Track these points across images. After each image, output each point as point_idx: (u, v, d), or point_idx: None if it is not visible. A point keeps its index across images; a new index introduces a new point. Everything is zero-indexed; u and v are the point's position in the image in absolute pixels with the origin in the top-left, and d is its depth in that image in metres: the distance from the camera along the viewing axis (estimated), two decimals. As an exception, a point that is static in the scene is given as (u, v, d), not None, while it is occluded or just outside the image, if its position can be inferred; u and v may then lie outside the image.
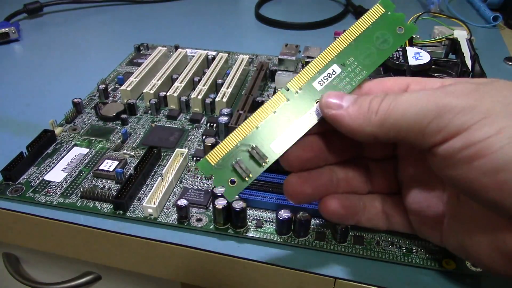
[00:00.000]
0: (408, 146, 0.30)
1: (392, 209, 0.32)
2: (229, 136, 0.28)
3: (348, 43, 0.29)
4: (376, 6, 0.30)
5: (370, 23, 0.29)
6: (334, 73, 0.28)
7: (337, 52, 0.29)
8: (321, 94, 0.28)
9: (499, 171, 0.22)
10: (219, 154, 0.28)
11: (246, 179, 0.28)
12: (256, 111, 0.29)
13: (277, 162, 0.29)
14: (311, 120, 0.28)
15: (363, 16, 0.29)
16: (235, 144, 0.28)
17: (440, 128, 0.23)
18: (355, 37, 0.29)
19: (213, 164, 0.28)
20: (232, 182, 0.28)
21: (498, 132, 0.22)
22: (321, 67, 0.29)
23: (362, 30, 0.29)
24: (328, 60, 0.29)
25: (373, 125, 0.25)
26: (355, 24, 0.29)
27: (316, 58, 0.29)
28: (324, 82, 0.28)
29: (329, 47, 0.29)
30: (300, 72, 0.29)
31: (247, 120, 0.29)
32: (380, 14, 0.30)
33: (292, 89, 0.29)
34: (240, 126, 0.28)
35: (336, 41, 0.29)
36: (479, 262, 0.27)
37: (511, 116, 0.22)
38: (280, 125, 0.28)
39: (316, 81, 0.29)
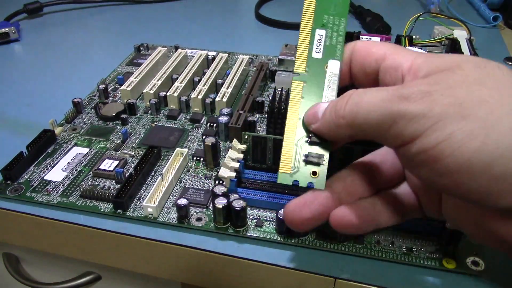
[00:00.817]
0: None
1: (404, 199, 0.31)
2: (284, 141, 0.29)
3: (313, 6, 0.30)
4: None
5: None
6: (321, 36, 0.30)
7: (311, 19, 0.30)
8: (324, 59, 0.30)
9: (454, 174, 0.23)
10: (288, 161, 0.29)
11: (324, 163, 0.29)
12: (289, 107, 0.29)
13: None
14: (334, 80, 0.30)
15: None
16: (294, 143, 0.29)
17: (397, 134, 0.24)
18: None
19: (289, 172, 0.29)
20: (314, 173, 0.29)
21: (448, 137, 0.22)
22: (308, 39, 0.30)
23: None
24: (310, 30, 0.30)
25: (343, 128, 0.26)
26: None
27: (300, 33, 0.30)
28: (320, 49, 0.30)
29: (302, 20, 0.31)
30: (297, 53, 0.30)
31: (288, 119, 0.29)
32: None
33: (301, 71, 0.30)
34: (286, 127, 0.29)
35: (303, 11, 0.31)
36: (471, 237, 0.29)
37: (461, 118, 0.22)
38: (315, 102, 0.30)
39: (314, 52, 0.30)
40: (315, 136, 0.29)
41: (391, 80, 0.27)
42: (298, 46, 0.30)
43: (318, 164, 0.29)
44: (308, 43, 0.30)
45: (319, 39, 0.30)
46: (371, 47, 0.29)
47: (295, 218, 0.29)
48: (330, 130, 0.27)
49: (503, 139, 0.22)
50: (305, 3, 0.31)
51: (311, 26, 0.30)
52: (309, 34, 0.30)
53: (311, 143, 0.29)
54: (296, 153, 0.29)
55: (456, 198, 0.26)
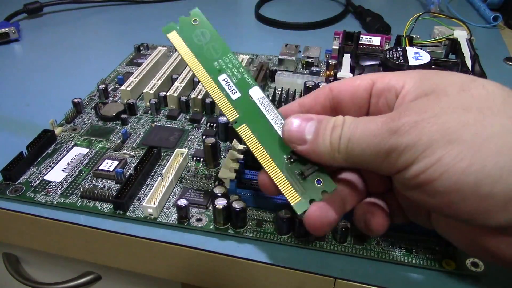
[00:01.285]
0: None
1: (392, 206, 0.32)
2: (273, 177, 0.29)
3: (196, 62, 0.31)
4: (171, 34, 0.32)
5: (183, 39, 0.32)
6: (225, 79, 0.31)
7: (205, 73, 0.31)
8: (244, 93, 0.31)
9: (444, 195, 0.24)
10: (291, 191, 0.29)
11: (318, 167, 0.29)
12: (251, 149, 0.30)
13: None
14: (266, 102, 0.31)
15: (178, 47, 0.32)
16: (282, 174, 0.29)
17: (391, 165, 0.25)
18: (191, 54, 0.32)
19: (300, 199, 0.29)
20: (319, 182, 0.29)
21: (437, 161, 0.24)
22: (217, 89, 0.31)
23: (184, 47, 0.32)
24: (212, 82, 0.31)
25: (339, 161, 0.27)
26: (179, 52, 0.32)
27: (207, 88, 0.31)
28: (234, 89, 0.31)
29: (198, 77, 0.31)
30: (219, 105, 0.30)
31: (259, 159, 0.30)
32: (176, 31, 0.32)
33: (235, 117, 0.30)
34: (264, 166, 0.30)
35: (194, 70, 0.31)
36: (463, 250, 0.30)
37: (448, 143, 0.24)
38: (268, 130, 0.30)
39: (231, 95, 0.31)
40: (295, 155, 0.29)
41: (385, 103, 0.29)
42: (214, 99, 0.30)
43: (316, 171, 0.29)
44: (219, 92, 0.31)
45: (226, 83, 0.31)
46: (353, 81, 0.30)
47: (323, 221, 0.29)
48: (322, 159, 0.28)
49: (489, 159, 0.23)
50: (189, 64, 0.31)
51: (211, 78, 0.31)
52: (215, 85, 0.31)
53: (294, 161, 0.29)
54: (291, 179, 0.29)
55: (447, 218, 0.28)
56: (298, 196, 0.29)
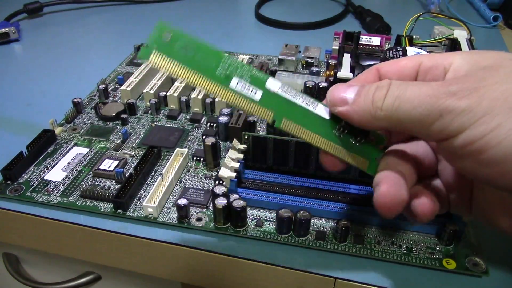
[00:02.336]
0: None
1: (439, 190, 0.31)
2: (335, 153, 0.29)
3: (200, 76, 0.27)
4: (153, 56, 0.27)
5: (170, 57, 0.27)
6: (237, 83, 0.28)
7: (215, 83, 0.28)
8: (265, 90, 0.28)
9: (499, 163, 0.23)
10: (355, 158, 0.29)
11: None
12: (302, 139, 0.29)
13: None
14: (288, 89, 0.29)
15: (170, 67, 0.27)
16: (339, 146, 0.29)
17: (443, 129, 0.24)
18: (190, 70, 0.27)
19: (367, 161, 0.29)
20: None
21: (495, 129, 0.23)
22: (236, 95, 0.28)
23: (178, 66, 0.27)
24: (226, 89, 0.28)
25: (380, 121, 0.26)
26: (174, 74, 0.28)
27: (230, 100, 0.28)
28: (252, 89, 0.28)
29: (209, 89, 0.28)
30: (250, 111, 0.28)
31: (311, 142, 0.29)
32: (156, 49, 0.27)
33: (271, 117, 0.28)
34: (321, 147, 0.29)
35: (206, 87, 0.28)
36: (504, 232, 0.28)
37: (508, 110, 0.23)
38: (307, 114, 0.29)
39: (253, 97, 0.28)
40: (343, 126, 0.29)
41: (433, 78, 0.28)
42: (241, 107, 0.28)
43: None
44: (242, 98, 0.28)
45: (242, 86, 0.28)
46: (399, 61, 0.30)
47: (397, 199, 0.27)
48: (363, 119, 0.27)
49: None
50: (193, 82, 0.27)
51: (224, 88, 0.28)
52: (233, 93, 0.28)
53: (345, 132, 0.29)
54: (350, 148, 0.29)
55: (499, 189, 0.26)
56: (365, 159, 0.29)
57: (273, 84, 0.28)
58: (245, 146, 0.38)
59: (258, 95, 0.28)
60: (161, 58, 0.27)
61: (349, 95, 0.27)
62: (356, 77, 0.31)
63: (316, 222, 0.36)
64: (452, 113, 0.24)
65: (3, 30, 0.67)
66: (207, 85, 0.27)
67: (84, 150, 0.44)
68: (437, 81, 0.27)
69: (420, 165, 0.30)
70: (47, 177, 0.40)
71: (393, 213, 0.27)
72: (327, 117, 0.29)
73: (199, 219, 0.36)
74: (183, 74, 0.27)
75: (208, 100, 0.48)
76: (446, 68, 0.27)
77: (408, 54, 0.41)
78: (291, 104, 0.29)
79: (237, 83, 0.28)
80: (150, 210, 0.36)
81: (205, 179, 0.40)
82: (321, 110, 0.29)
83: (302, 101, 0.29)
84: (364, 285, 0.32)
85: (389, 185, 0.27)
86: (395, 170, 0.28)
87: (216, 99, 0.48)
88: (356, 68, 0.45)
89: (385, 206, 0.27)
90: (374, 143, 0.29)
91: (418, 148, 0.31)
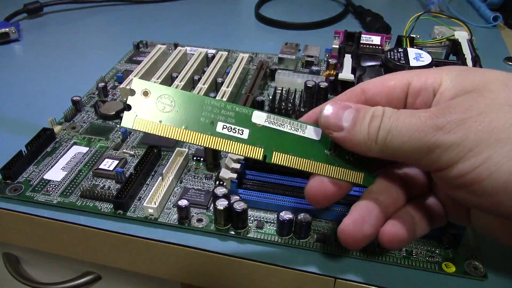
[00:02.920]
0: None
1: (432, 208, 0.31)
2: (329, 174, 0.29)
3: (186, 132, 0.27)
4: (136, 123, 0.27)
5: (151, 119, 0.27)
6: (225, 126, 0.28)
7: (200, 134, 0.27)
8: (254, 127, 0.28)
9: (492, 195, 0.24)
10: (351, 174, 0.29)
11: None
12: (294, 168, 0.29)
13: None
14: (273, 118, 0.29)
15: (154, 130, 0.27)
16: (333, 166, 0.29)
17: (433, 162, 0.25)
18: (174, 128, 0.27)
19: (362, 174, 0.29)
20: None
21: (484, 162, 0.23)
22: (223, 141, 0.28)
23: (162, 126, 0.27)
24: (213, 137, 0.27)
25: (375, 152, 0.27)
26: (160, 134, 0.27)
27: (211, 147, 0.28)
28: (238, 130, 0.28)
29: (196, 142, 0.27)
30: (239, 154, 0.28)
31: (304, 169, 0.29)
32: (137, 115, 0.27)
33: (260, 155, 0.28)
34: (313, 171, 0.29)
35: (187, 140, 0.27)
36: (506, 243, 0.29)
37: (496, 142, 0.23)
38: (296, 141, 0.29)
39: (240, 137, 0.28)
40: (335, 147, 0.29)
41: (423, 101, 0.28)
42: (230, 151, 0.28)
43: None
44: (230, 142, 0.28)
45: (228, 129, 0.28)
46: (387, 82, 0.29)
47: (358, 236, 0.28)
48: (357, 148, 0.27)
49: None
50: (180, 138, 0.27)
51: (211, 136, 0.27)
52: (221, 139, 0.27)
53: (337, 152, 0.29)
54: (344, 165, 0.29)
55: (495, 217, 0.27)
56: (360, 173, 0.29)
57: (259, 117, 0.28)
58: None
59: (245, 133, 0.28)
60: (145, 121, 0.27)
61: (344, 121, 0.27)
62: (339, 96, 0.30)
63: (317, 224, 0.36)
64: (440, 148, 0.24)
65: (3, 30, 0.67)
66: (193, 136, 0.27)
67: (84, 149, 0.44)
68: (427, 103, 0.27)
69: (412, 184, 0.31)
70: (47, 176, 0.40)
71: (354, 247, 0.28)
72: (317, 138, 0.29)
73: (199, 220, 0.36)
74: (168, 130, 0.27)
75: (208, 100, 0.48)
76: (435, 89, 0.27)
77: (409, 55, 0.41)
78: (279, 134, 0.29)
79: (223, 127, 0.28)
80: (150, 210, 0.36)
81: (205, 179, 0.40)
82: (311, 133, 0.29)
83: (290, 127, 0.29)
84: (364, 285, 0.32)
85: (352, 219, 0.28)
86: (372, 201, 0.29)
87: (217, 98, 0.48)
88: (357, 69, 0.45)
89: (345, 241, 0.28)
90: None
91: (410, 167, 0.31)
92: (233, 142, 0.28)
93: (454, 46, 0.52)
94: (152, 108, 0.27)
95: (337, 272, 0.33)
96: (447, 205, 0.31)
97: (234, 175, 0.37)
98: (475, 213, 0.29)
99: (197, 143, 0.27)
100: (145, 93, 0.27)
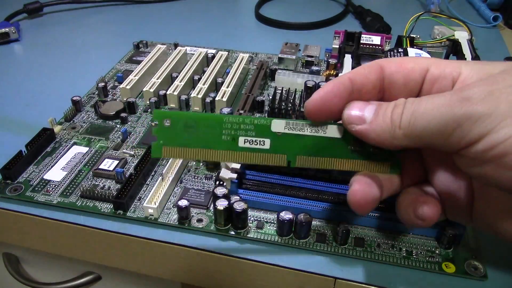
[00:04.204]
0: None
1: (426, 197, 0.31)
2: (356, 169, 0.29)
3: (211, 152, 0.29)
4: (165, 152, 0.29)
5: (178, 146, 0.29)
6: (246, 139, 0.28)
7: (224, 151, 0.29)
8: (272, 136, 0.29)
9: None
10: (377, 165, 0.29)
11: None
12: (321, 168, 0.29)
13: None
14: (292, 124, 0.29)
15: (182, 155, 0.29)
16: (359, 160, 0.29)
17: (462, 137, 0.24)
18: (201, 150, 0.29)
19: (388, 163, 0.29)
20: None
21: None
22: (247, 154, 0.29)
23: (189, 151, 0.29)
24: (237, 153, 0.29)
25: (399, 139, 0.26)
26: (187, 159, 0.30)
27: (238, 163, 0.30)
28: (260, 142, 0.29)
29: (222, 160, 0.29)
30: (265, 164, 0.29)
31: (330, 168, 0.29)
32: (165, 145, 0.29)
33: (284, 163, 0.29)
34: (341, 168, 0.29)
35: (214, 160, 0.30)
36: (508, 240, 0.28)
37: None
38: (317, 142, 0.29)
39: (263, 148, 0.29)
40: (356, 142, 0.29)
41: (440, 89, 0.28)
42: (256, 163, 0.29)
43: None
44: (253, 154, 0.29)
45: (250, 142, 0.29)
46: (406, 63, 0.29)
47: (368, 198, 0.28)
48: (381, 138, 0.27)
49: None
50: (207, 159, 0.29)
51: (235, 152, 0.29)
52: (245, 153, 0.29)
53: (359, 146, 0.29)
54: (368, 157, 0.29)
55: None
56: (386, 162, 0.29)
57: (278, 125, 0.29)
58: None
59: (267, 143, 0.29)
60: (172, 149, 0.28)
61: (367, 113, 0.27)
62: (356, 69, 0.29)
63: (316, 224, 0.36)
64: (470, 120, 0.23)
65: (3, 30, 0.67)
66: (219, 155, 0.29)
67: (84, 149, 0.44)
68: (444, 91, 0.26)
69: (409, 172, 0.31)
70: (47, 176, 0.40)
71: (364, 209, 0.28)
72: (340, 136, 0.29)
73: (199, 220, 0.36)
74: (195, 153, 0.28)
75: (208, 99, 0.48)
76: (455, 79, 0.27)
77: (409, 55, 0.41)
78: (300, 138, 0.29)
79: (245, 141, 0.28)
80: (150, 211, 0.36)
81: (205, 179, 0.40)
82: (332, 131, 0.29)
83: (311, 130, 0.29)
84: (364, 285, 0.32)
85: (360, 184, 0.28)
86: (369, 174, 0.29)
87: (217, 98, 0.48)
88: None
89: (356, 202, 0.28)
90: None
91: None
92: (256, 154, 0.29)
93: (454, 46, 0.52)
94: (176, 135, 0.28)
95: (337, 272, 0.33)
96: (445, 199, 0.30)
97: (234, 175, 0.37)
98: (478, 205, 0.29)
99: (222, 160, 0.29)
100: (167, 122, 0.28)
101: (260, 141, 0.28)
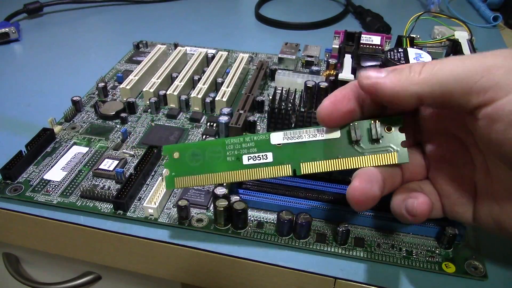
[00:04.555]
0: (442, 117, 0.29)
1: (429, 194, 0.31)
2: (362, 164, 0.30)
3: (219, 175, 0.31)
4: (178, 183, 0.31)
5: (190, 175, 0.31)
6: (249, 157, 0.30)
7: (232, 172, 0.30)
8: (274, 149, 0.30)
9: None
10: (384, 157, 0.29)
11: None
12: (327, 171, 0.30)
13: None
14: (291, 133, 0.30)
15: (196, 182, 0.31)
16: (364, 155, 0.30)
17: (489, 86, 0.23)
18: (209, 175, 0.31)
19: (395, 154, 0.29)
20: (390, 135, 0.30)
21: None
22: (252, 170, 0.30)
23: (200, 177, 0.31)
24: (243, 171, 0.30)
25: (417, 84, 0.25)
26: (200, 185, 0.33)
27: (246, 180, 0.33)
28: (262, 156, 0.30)
29: (232, 180, 0.31)
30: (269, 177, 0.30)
31: (335, 168, 0.30)
32: (176, 177, 0.31)
33: (289, 172, 0.30)
34: (346, 167, 0.30)
35: (223, 182, 0.31)
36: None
37: None
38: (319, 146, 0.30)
39: (267, 162, 0.30)
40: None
41: None
42: (262, 177, 0.30)
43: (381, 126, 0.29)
44: (259, 169, 0.30)
45: (254, 159, 0.30)
46: None
47: (367, 196, 0.28)
48: (397, 86, 0.26)
49: None
50: (218, 181, 0.31)
51: (241, 171, 0.30)
52: (250, 169, 0.30)
53: (361, 141, 0.29)
54: (374, 149, 0.29)
55: None
56: (391, 153, 0.29)
57: (277, 137, 0.30)
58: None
59: (269, 157, 0.30)
60: (183, 179, 0.31)
61: (384, 72, 0.27)
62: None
63: (316, 224, 0.36)
64: (501, 69, 0.23)
65: (3, 30, 0.67)
66: (227, 176, 0.30)
67: (84, 149, 0.44)
68: None
69: (410, 168, 0.31)
70: (47, 176, 0.40)
71: (362, 206, 0.28)
72: (338, 136, 0.29)
73: (199, 220, 0.36)
74: (205, 178, 0.31)
75: (208, 100, 0.48)
76: None
77: (409, 55, 0.41)
78: (301, 145, 0.30)
79: (248, 158, 0.30)
80: (150, 211, 0.36)
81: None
82: (330, 133, 0.29)
83: (308, 135, 0.29)
84: (364, 285, 0.32)
85: (361, 180, 0.28)
86: (373, 169, 0.29)
87: (217, 98, 0.48)
88: (357, 69, 0.45)
89: (354, 199, 0.28)
90: (393, 116, 0.29)
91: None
92: (261, 168, 0.30)
93: (454, 46, 0.52)
94: (185, 165, 0.31)
95: (337, 272, 0.33)
96: (444, 195, 0.30)
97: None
98: (481, 204, 0.29)
99: (230, 181, 0.30)
100: (175, 155, 0.31)
101: (263, 155, 0.30)
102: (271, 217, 0.36)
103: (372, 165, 0.29)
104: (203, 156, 0.30)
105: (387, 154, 0.29)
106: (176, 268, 0.37)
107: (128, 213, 0.37)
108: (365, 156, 0.29)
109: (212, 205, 0.37)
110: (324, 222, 0.36)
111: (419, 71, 0.25)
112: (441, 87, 0.24)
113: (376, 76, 0.27)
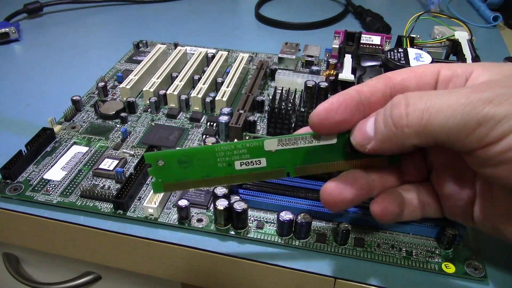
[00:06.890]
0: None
1: (427, 196, 0.31)
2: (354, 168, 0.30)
3: (210, 180, 0.29)
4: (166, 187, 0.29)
5: (177, 179, 0.29)
6: (242, 162, 0.29)
7: (222, 177, 0.29)
8: (267, 154, 0.29)
9: None
10: (376, 161, 0.30)
11: None
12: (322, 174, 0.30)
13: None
14: (286, 140, 0.29)
15: (183, 187, 0.30)
16: (360, 160, 0.29)
17: (482, 137, 0.24)
18: (199, 180, 0.29)
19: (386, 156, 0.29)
20: None
21: None
22: (246, 175, 0.29)
23: (187, 182, 0.29)
24: (236, 175, 0.29)
25: (410, 138, 0.25)
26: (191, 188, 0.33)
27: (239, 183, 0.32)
28: (256, 161, 0.29)
29: (223, 184, 0.31)
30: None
31: (330, 171, 0.30)
32: (163, 181, 0.29)
33: (283, 175, 0.30)
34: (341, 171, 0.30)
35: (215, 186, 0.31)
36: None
37: None
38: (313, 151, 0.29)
39: (260, 166, 0.29)
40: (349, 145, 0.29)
41: (455, 87, 0.27)
42: (256, 180, 0.31)
43: None
44: (252, 174, 0.29)
45: (246, 164, 0.29)
46: (416, 69, 0.29)
47: (336, 199, 0.28)
48: (392, 144, 0.26)
49: None
50: (207, 186, 0.31)
51: (234, 176, 0.29)
52: (244, 174, 0.29)
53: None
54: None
55: None
56: (385, 157, 0.29)
57: (271, 144, 0.29)
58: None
59: (263, 162, 0.29)
60: (172, 184, 0.29)
61: (369, 128, 0.27)
62: (364, 83, 0.29)
63: (316, 224, 0.36)
64: (492, 121, 0.23)
65: (3, 30, 0.67)
66: (218, 181, 0.29)
67: (84, 149, 0.44)
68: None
69: (408, 169, 0.31)
70: (47, 176, 0.40)
71: (332, 207, 0.29)
72: (334, 142, 0.29)
73: (199, 220, 0.36)
74: (195, 182, 0.29)
75: (208, 99, 0.48)
76: (467, 77, 0.27)
77: (409, 55, 0.41)
78: (295, 150, 0.29)
79: (241, 164, 0.29)
80: (150, 210, 0.36)
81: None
82: (326, 139, 0.29)
83: (304, 142, 0.29)
84: (364, 285, 0.32)
85: (337, 182, 0.28)
86: (358, 172, 0.29)
87: (217, 98, 0.48)
88: (357, 69, 0.45)
89: (322, 200, 0.29)
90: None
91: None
92: (255, 173, 0.29)
93: (454, 46, 0.52)
94: (172, 172, 0.29)
95: (337, 272, 0.33)
96: (444, 198, 0.30)
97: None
98: (482, 207, 0.29)
99: (224, 185, 0.30)
100: (160, 163, 0.29)
101: (256, 161, 0.29)
102: (271, 217, 0.36)
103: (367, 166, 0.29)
104: (191, 163, 0.29)
105: (380, 158, 0.29)
106: (176, 268, 0.37)
107: (128, 213, 0.37)
108: (359, 161, 0.29)
109: (212, 205, 0.36)
110: (324, 222, 0.36)
111: (406, 123, 0.25)
112: (434, 138, 0.25)
113: (367, 142, 0.27)
